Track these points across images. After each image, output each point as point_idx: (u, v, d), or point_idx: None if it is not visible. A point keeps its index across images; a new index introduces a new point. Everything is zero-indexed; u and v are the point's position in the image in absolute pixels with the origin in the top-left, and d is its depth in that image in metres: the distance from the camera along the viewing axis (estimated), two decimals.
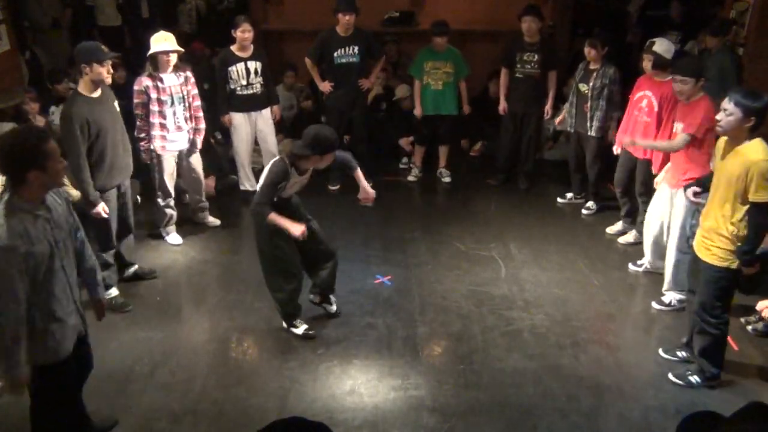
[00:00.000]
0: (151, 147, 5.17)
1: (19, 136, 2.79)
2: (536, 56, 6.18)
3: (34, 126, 4.88)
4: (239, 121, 6.00)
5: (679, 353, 4.08)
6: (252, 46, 5.89)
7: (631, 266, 5.14)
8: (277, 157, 4.08)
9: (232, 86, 5.89)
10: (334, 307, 4.53)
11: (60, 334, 2.97)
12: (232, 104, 5.96)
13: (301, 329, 4.31)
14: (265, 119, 6.08)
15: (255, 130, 6.07)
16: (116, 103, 4.50)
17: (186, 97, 5.23)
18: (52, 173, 2.80)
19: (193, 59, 6.20)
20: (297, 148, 3.94)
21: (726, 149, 3.57)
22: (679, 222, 4.48)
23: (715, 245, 3.61)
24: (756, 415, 1.66)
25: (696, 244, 3.81)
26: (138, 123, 5.10)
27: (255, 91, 5.94)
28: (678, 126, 4.46)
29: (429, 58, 6.39)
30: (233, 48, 5.86)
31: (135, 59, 7.02)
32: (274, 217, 3.91)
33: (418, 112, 6.50)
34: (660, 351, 4.13)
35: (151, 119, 5.08)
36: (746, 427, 1.62)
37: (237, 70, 5.85)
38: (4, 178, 4.29)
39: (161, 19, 8.09)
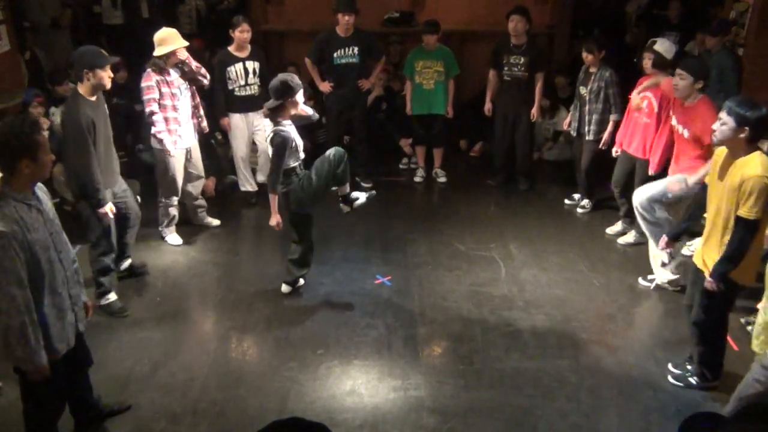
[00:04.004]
0: (165, 143, 5.08)
1: (13, 126, 2.82)
2: (522, 59, 6.16)
3: (27, 117, 4.89)
4: (237, 123, 6.00)
5: (689, 367, 3.96)
6: (249, 47, 5.89)
7: (641, 281, 5.01)
8: (269, 132, 4.40)
9: (230, 87, 5.88)
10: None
11: (60, 328, 2.96)
12: (230, 105, 5.96)
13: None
14: (261, 119, 6.07)
15: (251, 130, 6.07)
16: (105, 106, 4.47)
17: (188, 88, 5.25)
18: (42, 164, 2.85)
19: (192, 54, 6.21)
20: (270, 104, 4.31)
21: (725, 164, 3.44)
22: (657, 187, 4.59)
23: (714, 260, 3.55)
24: (756, 415, 1.66)
25: (697, 256, 3.75)
26: (153, 118, 5.01)
27: (253, 92, 5.93)
28: (684, 131, 4.43)
29: (420, 57, 6.40)
30: (231, 48, 5.87)
31: (135, 59, 7.01)
32: (272, 199, 4.41)
33: (408, 111, 6.56)
34: (669, 366, 4.02)
35: (164, 114, 5.06)
36: (746, 427, 1.62)
37: (236, 70, 5.85)
38: None
39: (161, 20, 8.08)
